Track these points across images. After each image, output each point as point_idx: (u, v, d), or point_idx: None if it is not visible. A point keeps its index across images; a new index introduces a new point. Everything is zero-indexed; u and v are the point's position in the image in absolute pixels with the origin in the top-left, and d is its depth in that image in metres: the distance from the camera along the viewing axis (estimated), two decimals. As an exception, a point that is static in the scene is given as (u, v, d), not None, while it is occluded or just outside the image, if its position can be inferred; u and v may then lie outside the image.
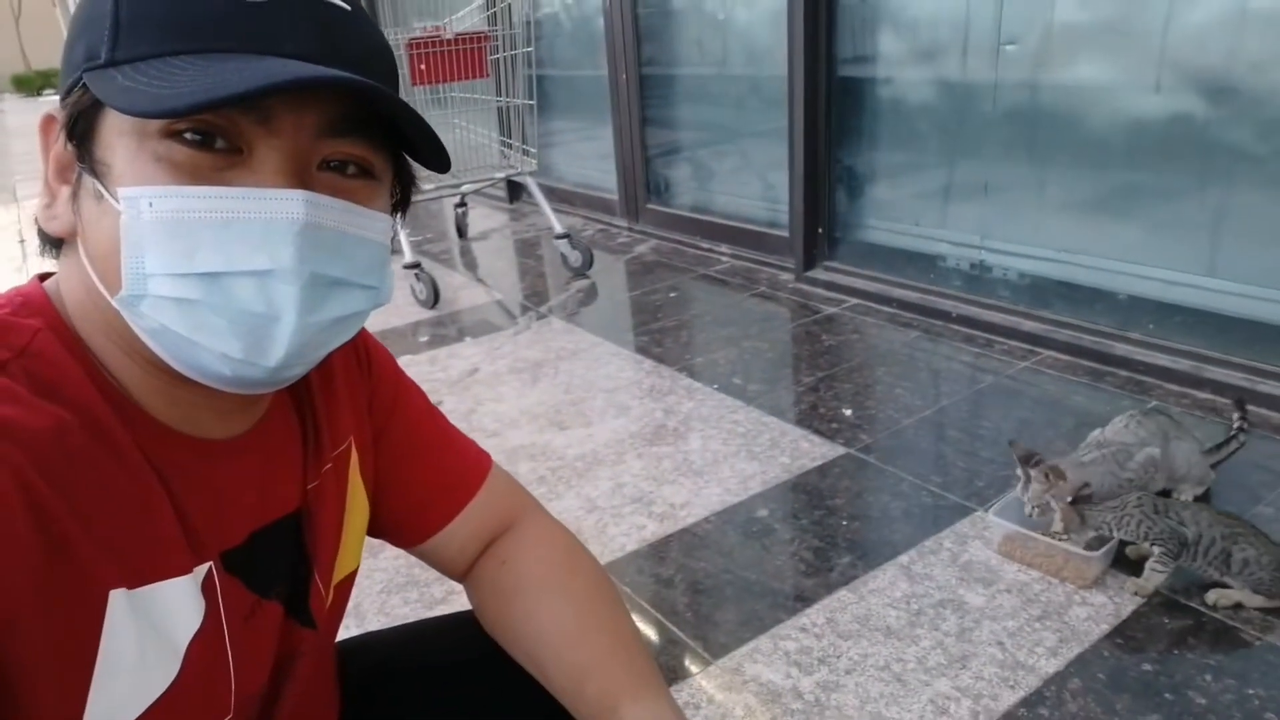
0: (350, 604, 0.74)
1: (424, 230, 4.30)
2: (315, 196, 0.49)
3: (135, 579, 0.49)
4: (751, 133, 3.35)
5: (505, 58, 3.41)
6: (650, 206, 3.83)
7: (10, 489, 0.43)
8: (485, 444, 0.80)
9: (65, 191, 0.52)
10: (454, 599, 1.53)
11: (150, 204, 0.47)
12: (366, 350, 0.72)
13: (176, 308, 0.48)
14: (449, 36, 3.23)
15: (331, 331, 0.54)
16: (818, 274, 2.99)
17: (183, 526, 0.53)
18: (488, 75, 3.36)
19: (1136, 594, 1.42)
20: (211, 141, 0.48)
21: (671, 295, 3.06)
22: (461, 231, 4.13)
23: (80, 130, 0.50)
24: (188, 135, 0.47)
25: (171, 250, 0.47)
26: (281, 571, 0.62)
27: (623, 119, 3.82)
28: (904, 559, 1.56)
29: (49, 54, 18.19)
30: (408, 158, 0.58)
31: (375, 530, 0.74)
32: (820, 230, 2.99)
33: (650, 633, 1.45)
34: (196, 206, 0.47)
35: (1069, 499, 1.47)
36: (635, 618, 1.27)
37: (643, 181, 3.83)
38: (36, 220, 0.54)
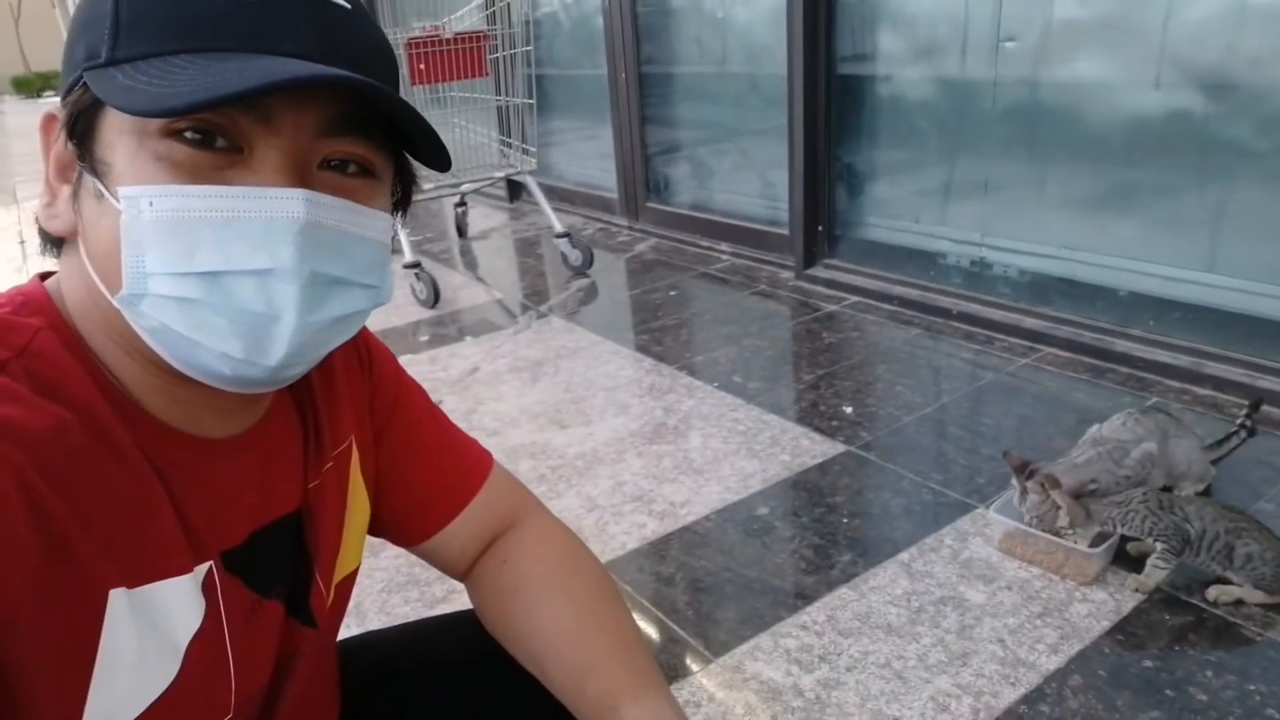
0: (351, 603, 0.74)
1: (424, 230, 4.29)
2: (315, 195, 0.49)
3: (135, 578, 0.49)
4: (751, 131, 3.35)
5: (505, 57, 3.41)
6: (650, 205, 3.83)
7: (10, 489, 0.43)
8: (486, 443, 0.80)
9: (66, 191, 0.52)
10: (455, 598, 1.53)
11: (150, 203, 0.47)
12: (368, 349, 0.72)
13: (177, 307, 0.48)
14: (448, 36, 3.23)
15: (332, 331, 0.54)
16: (818, 272, 2.99)
17: (183, 526, 0.53)
18: (487, 74, 3.36)
19: (1137, 590, 1.42)
20: (212, 141, 0.48)
21: (671, 294, 3.06)
22: (461, 231, 4.13)
23: (81, 129, 0.50)
24: (188, 134, 0.47)
25: (172, 249, 0.47)
26: (282, 571, 0.62)
27: (622, 118, 3.82)
28: (904, 556, 1.56)
29: (49, 56, 18.19)
30: (408, 156, 0.58)
31: (376, 529, 0.74)
32: (820, 228, 2.99)
33: (651, 631, 1.45)
34: (197, 206, 0.47)
35: (1074, 495, 1.47)
36: (636, 616, 1.28)
37: (642, 180, 3.83)
38: (37, 219, 0.54)
